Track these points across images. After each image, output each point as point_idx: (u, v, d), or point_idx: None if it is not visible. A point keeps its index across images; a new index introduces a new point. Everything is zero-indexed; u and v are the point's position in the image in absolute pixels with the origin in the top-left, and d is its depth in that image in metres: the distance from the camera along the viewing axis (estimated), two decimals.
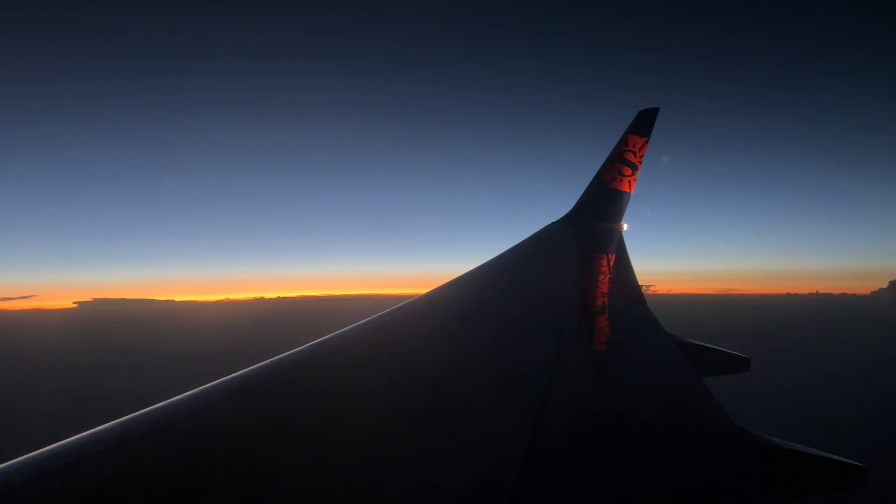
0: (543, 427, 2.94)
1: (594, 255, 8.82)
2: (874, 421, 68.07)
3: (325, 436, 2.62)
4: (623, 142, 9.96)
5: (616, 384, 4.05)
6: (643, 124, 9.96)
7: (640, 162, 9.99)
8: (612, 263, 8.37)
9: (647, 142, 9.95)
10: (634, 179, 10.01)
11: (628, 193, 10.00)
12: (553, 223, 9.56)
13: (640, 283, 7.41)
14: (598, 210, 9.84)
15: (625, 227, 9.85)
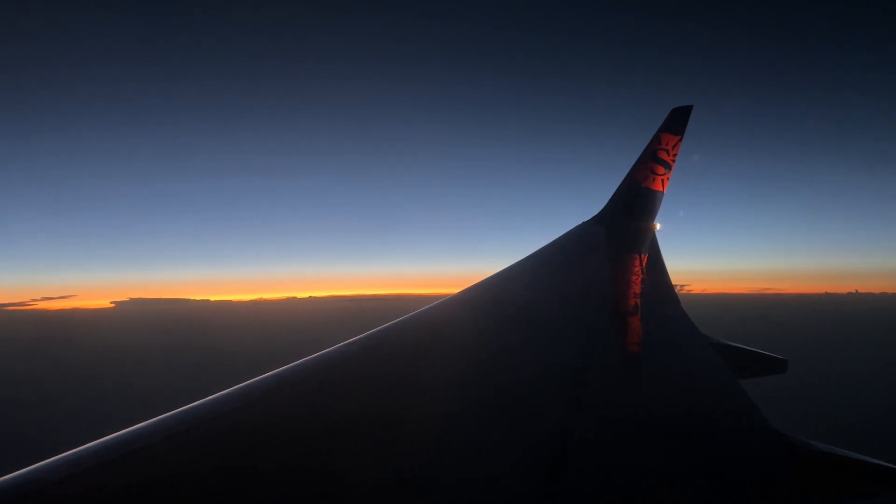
0: (575, 428, 2.92)
1: (627, 255, 8.73)
2: None
3: (359, 434, 2.64)
4: (656, 140, 9.82)
5: (649, 386, 4.01)
6: (676, 122, 9.82)
7: (674, 160, 9.84)
8: (644, 263, 8.26)
9: (680, 140, 9.80)
10: (668, 178, 9.86)
11: (661, 192, 9.86)
12: (584, 223, 9.48)
13: (674, 282, 7.31)
14: (631, 209, 9.72)
15: (658, 226, 9.71)
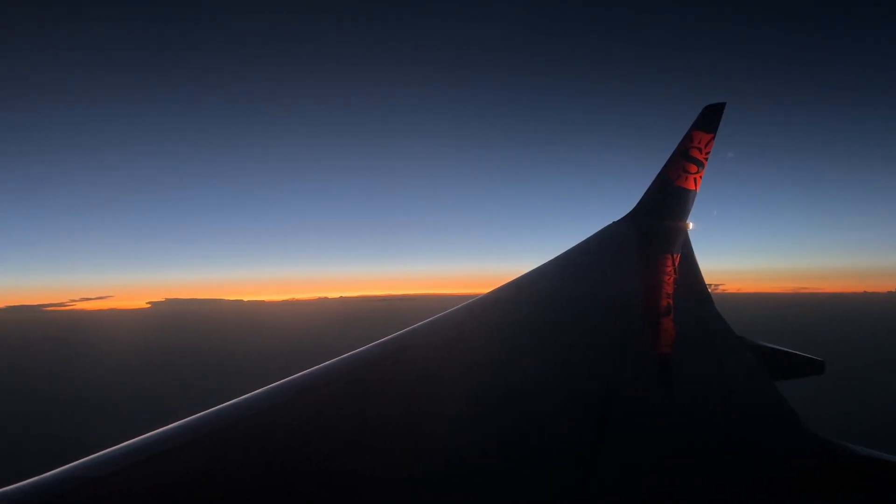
0: (605, 432, 2.90)
1: (658, 254, 8.63)
2: None
3: (389, 434, 2.66)
4: (688, 138, 9.70)
5: (681, 388, 3.96)
6: (709, 120, 9.68)
7: (707, 159, 9.71)
8: (677, 263, 8.16)
9: (713, 138, 9.67)
10: (700, 177, 9.74)
11: (694, 191, 9.74)
12: (615, 222, 9.40)
13: (707, 282, 7.21)
14: (663, 208, 9.62)
15: (690, 225, 9.59)
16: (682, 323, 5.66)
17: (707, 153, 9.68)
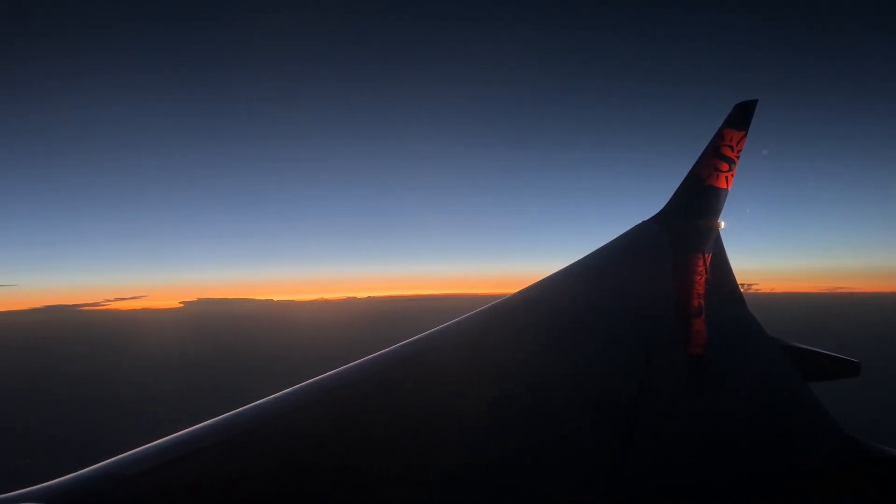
0: (636, 433, 2.87)
1: (689, 254, 8.53)
2: None
3: (415, 436, 2.66)
4: (719, 136, 9.55)
5: (713, 390, 3.91)
6: (741, 117, 9.53)
7: (738, 157, 9.55)
8: (708, 263, 8.05)
9: (744, 136, 9.50)
10: (732, 175, 9.58)
11: (725, 189, 9.58)
12: (644, 222, 9.30)
13: (740, 282, 7.11)
14: (694, 208, 9.49)
15: (722, 224, 9.45)
16: (713, 324, 5.60)
17: (739, 151, 9.52)
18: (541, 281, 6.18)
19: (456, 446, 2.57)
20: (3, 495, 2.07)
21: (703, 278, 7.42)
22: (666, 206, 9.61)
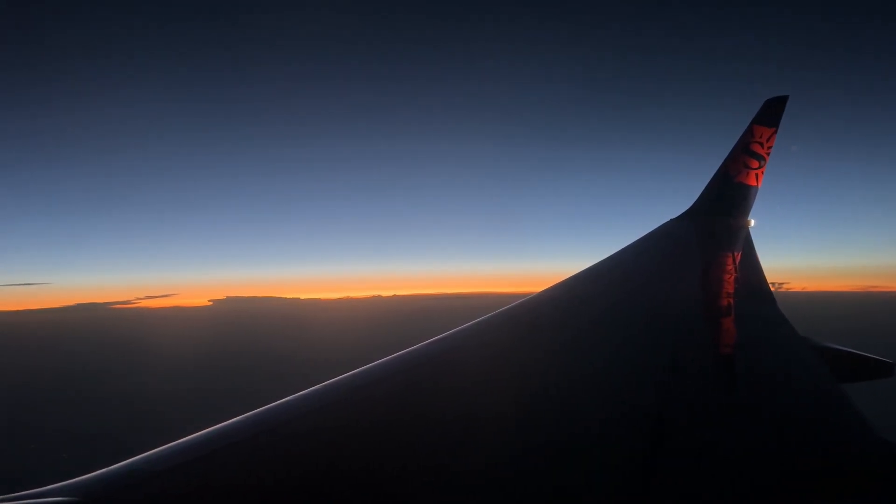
0: (664, 435, 2.85)
1: (718, 253, 8.43)
2: None
3: (442, 434, 2.67)
4: (749, 133, 9.43)
5: (743, 391, 3.85)
6: (771, 114, 9.40)
7: (768, 153, 9.43)
8: (737, 262, 7.96)
9: (775, 132, 9.37)
10: (762, 172, 9.46)
11: (755, 187, 9.46)
12: (672, 220, 9.23)
13: (771, 281, 7.03)
14: (723, 205, 9.39)
15: (752, 222, 9.33)
16: (743, 323, 5.53)
17: (769, 148, 9.40)
18: (567, 279, 6.16)
19: (481, 447, 2.57)
20: (39, 489, 2.12)
21: (733, 277, 7.34)
22: (695, 204, 9.52)
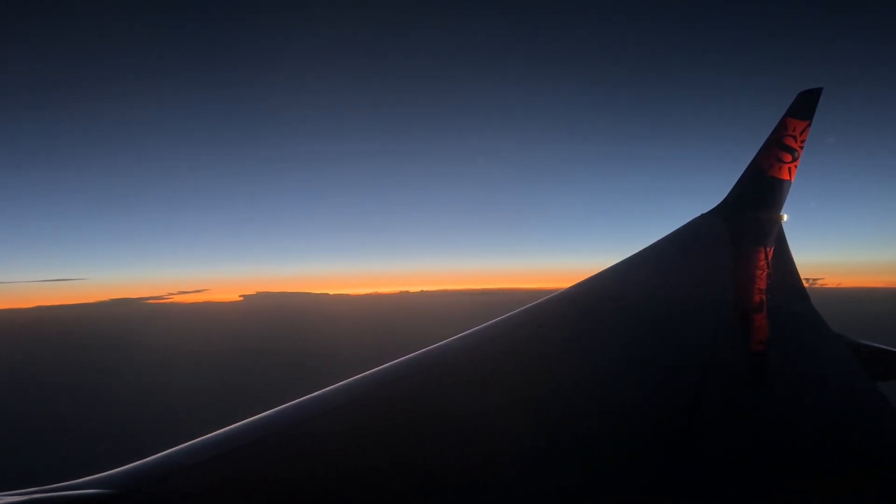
0: (696, 433, 2.81)
1: (750, 248, 8.30)
2: None
3: (467, 430, 2.67)
4: (782, 126, 9.25)
5: (775, 389, 3.79)
6: (804, 106, 9.20)
7: (802, 147, 9.24)
8: (770, 257, 7.82)
9: (808, 125, 9.18)
10: (795, 166, 9.27)
11: (788, 181, 9.28)
12: (703, 215, 9.11)
13: (805, 277, 6.90)
14: (755, 200, 9.23)
15: (785, 217, 9.16)
16: (775, 320, 5.44)
17: (802, 141, 9.21)
18: (596, 275, 6.12)
19: (509, 444, 2.56)
20: (74, 481, 2.17)
21: (765, 273, 7.22)
22: (726, 199, 9.38)
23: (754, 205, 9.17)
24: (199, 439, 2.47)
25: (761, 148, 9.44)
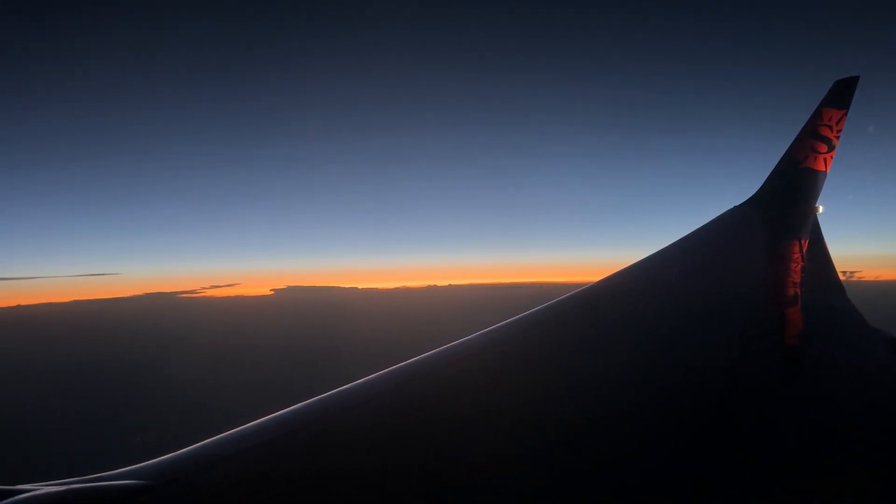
0: (729, 428, 2.78)
1: (785, 241, 8.16)
2: None
3: (494, 423, 2.67)
4: (817, 116, 9.05)
5: (810, 384, 3.73)
6: (840, 96, 8.99)
7: (838, 137, 9.03)
8: (805, 250, 7.68)
9: (845, 115, 8.97)
10: (831, 157, 9.07)
11: (824, 172, 9.09)
12: (736, 207, 8.96)
13: (841, 270, 6.77)
14: (789, 192, 9.05)
15: (820, 209, 8.97)
16: (810, 313, 5.35)
17: (839, 131, 9.00)
18: (628, 267, 6.07)
19: (538, 435, 2.56)
20: (112, 472, 2.23)
21: (800, 266, 7.10)
22: (760, 190, 9.22)
23: (789, 196, 9.00)
24: (235, 430, 2.51)
25: (796, 138, 9.25)
